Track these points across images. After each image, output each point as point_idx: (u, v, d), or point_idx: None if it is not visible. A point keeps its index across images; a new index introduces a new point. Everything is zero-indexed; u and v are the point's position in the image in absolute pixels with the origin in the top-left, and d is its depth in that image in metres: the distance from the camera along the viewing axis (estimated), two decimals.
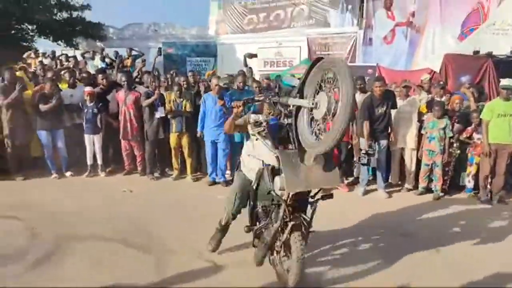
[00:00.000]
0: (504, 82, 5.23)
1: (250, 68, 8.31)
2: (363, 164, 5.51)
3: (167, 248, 3.68)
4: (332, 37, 13.78)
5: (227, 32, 15.33)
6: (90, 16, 15.15)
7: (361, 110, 5.39)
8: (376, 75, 7.44)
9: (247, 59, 8.73)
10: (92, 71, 8.32)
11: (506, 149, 5.20)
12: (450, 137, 5.41)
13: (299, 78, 3.04)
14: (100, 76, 6.54)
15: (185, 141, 5.94)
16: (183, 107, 5.92)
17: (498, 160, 5.26)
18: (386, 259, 3.51)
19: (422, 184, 5.61)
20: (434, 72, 7.21)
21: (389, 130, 5.47)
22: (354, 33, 13.57)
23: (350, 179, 6.08)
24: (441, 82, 6.35)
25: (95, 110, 6.11)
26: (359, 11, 13.73)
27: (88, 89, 6.16)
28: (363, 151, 5.45)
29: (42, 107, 5.86)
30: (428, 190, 5.61)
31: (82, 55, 10.98)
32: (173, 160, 6.12)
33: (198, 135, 5.80)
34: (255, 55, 7.94)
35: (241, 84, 5.89)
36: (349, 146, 5.83)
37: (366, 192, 5.59)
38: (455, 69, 6.67)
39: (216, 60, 14.70)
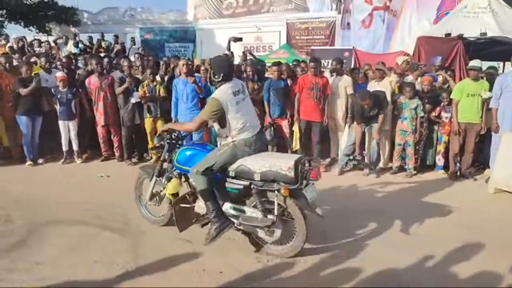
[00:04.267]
0: (472, 63, 5.40)
1: (232, 52, 8.26)
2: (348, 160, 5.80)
3: (143, 230, 3.71)
4: (311, 21, 13.81)
5: (205, 17, 15.14)
6: (63, 0, 14.68)
7: (356, 114, 5.50)
8: (352, 57, 7.54)
9: (231, 43, 8.62)
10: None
11: (474, 128, 5.40)
12: (421, 117, 5.57)
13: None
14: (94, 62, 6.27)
15: (160, 126, 5.91)
16: (157, 92, 5.88)
17: (467, 139, 5.46)
18: (358, 237, 3.64)
19: (396, 163, 5.78)
20: (409, 54, 7.37)
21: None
22: (332, 18, 13.64)
23: (327, 160, 6.20)
24: (421, 65, 6.46)
25: (69, 96, 6.00)
26: None
27: (59, 74, 6.03)
28: (351, 156, 5.69)
29: (22, 91, 5.73)
30: (401, 169, 5.79)
31: (55, 41, 10.67)
32: (150, 145, 6.10)
33: (173, 121, 5.76)
34: (240, 39, 7.88)
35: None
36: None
37: (342, 172, 5.72)
38: (427, 51, 6.83)
39: (195, 46, 14.54)
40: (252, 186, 3.06)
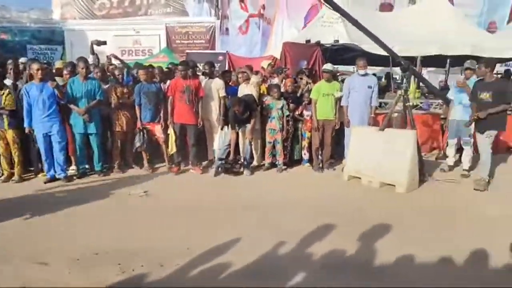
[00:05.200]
0: (325, 66, 6.11)
1: (97, 55, 7.73)
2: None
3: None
4: (191, 26, 13.85)
5: (75, 17, 13.92)
6: None
7: (230, 119, 5.67)
8: (226, 61, 7.81)
9: (95, 46, 8.06)
10: None
11: (330, 124, 6.09)
12: (287, 116, 6.06)
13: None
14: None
15: (10, 138, 5.20)
16: (3, 101, 5.14)
17: (325, 134, 6.13)
18: (228, 232, 3.77)
19: (268, 160, 6.18)
20: (277, 58, 7.97)
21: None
22: (212, 23, 13.90)
23: (205, 162, 6.29)
24: (285, 69, 7.02)
25: None
26: (215, 2, 14.12)
27: None
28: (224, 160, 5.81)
29: None
30: (273, 165, 6.20)
31: None
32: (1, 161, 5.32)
33: (27, 131, 5.13)
34: (103, 42, 7.40)
35: (83, 70, 5.42)
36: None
37: (218, 173, 5.85)
38: (293, 56, 7.48)
39: (64, 48, 13.24)
40: None
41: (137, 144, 5.64)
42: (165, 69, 7.00)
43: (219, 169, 5.80)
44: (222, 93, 6.04)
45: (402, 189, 5.03)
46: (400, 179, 5.08)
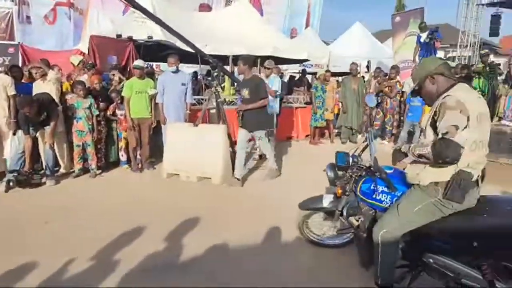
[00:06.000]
0: (136, 63, 5.87)
1: None
2: None
3: None
4: None
5: None
6: None
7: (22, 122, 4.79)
8: (19, 54, 6.63)
9: None
10: None
11: (146, 122, 5.91)
12: (97, 115, 5.58)
13: None
14: None
15: None
16: None
17: (142, 133, 5.91)
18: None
19: (78, 166, 5.56)
20: (85, 53, 7.26)
21: None
22: (8, 9, 11.64)
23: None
24: (90, 63, 6.44)
25: None
26: None
27: None
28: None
29: None
30: (85, 170, 5.63)
31: None
32: None
33: None
34: None
35: None
36: None
37: (9, 189, 4.90)
38: (102, 51, 6.92)
39: None
40: None
41: None
42: None
43: (10, 183, 4.82)
44: (11, 91, 5.11)
45: (217, 181, 5.30)
46: (214, 172, 5.34)
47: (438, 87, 2.25)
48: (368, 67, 12.42)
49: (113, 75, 6.41)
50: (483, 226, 2.09)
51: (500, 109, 7.66)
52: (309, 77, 13.15)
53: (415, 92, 2.39)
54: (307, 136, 9.06)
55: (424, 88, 2.32)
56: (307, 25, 16.51)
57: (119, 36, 7.04)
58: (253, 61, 5.41)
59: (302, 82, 11.65)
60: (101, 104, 5.70)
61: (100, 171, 5.72)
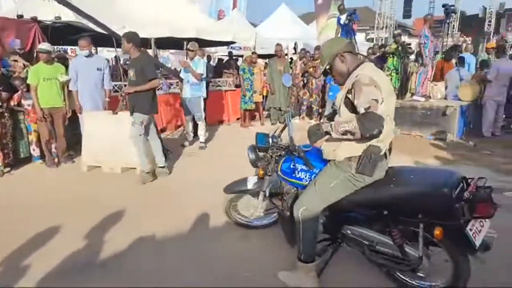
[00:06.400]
0: (40, 46, 5.26)
1: None
2: None
3: None
4: None
5: None
6: None
7: None
8: None
9: None
10: None
11: (59, 112, 5.39)
12: None
13: None
14: None
15: None
16: None
17: (55, 124, 5.39)
18: None
19: None
20: None
21: None
22: None
23: None
24: None
25: None
26: None
27: None
28: None
29: None
30: None
31: None
32: None
33: None
34: None
35: None
36: None
37: None
38: (3, 33, 6.11)
39: None
40: None
41: None
42: None
43: None
44: None
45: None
46: (139, 162, 5.06)
47: (348, 65, 2.31)
48: (295, 48, 12.65)
49: (15, 60, 5.71)
50: (390, 195, 2.22)
51: (412, 85, 8.30)
52: (239, 60, 13.08)
53: (326, 72, 2.43)
54: (238, 119, 9.05)
55: (335, 67, 2.36)
56: (234, 7, 16.33)
57: (20, 16, 6.26)
58: (139, 38, 4.58)
59: (230, 65, 11.54)
60: (3, 94, 5.05)
61: (8, 168, 5.13)
